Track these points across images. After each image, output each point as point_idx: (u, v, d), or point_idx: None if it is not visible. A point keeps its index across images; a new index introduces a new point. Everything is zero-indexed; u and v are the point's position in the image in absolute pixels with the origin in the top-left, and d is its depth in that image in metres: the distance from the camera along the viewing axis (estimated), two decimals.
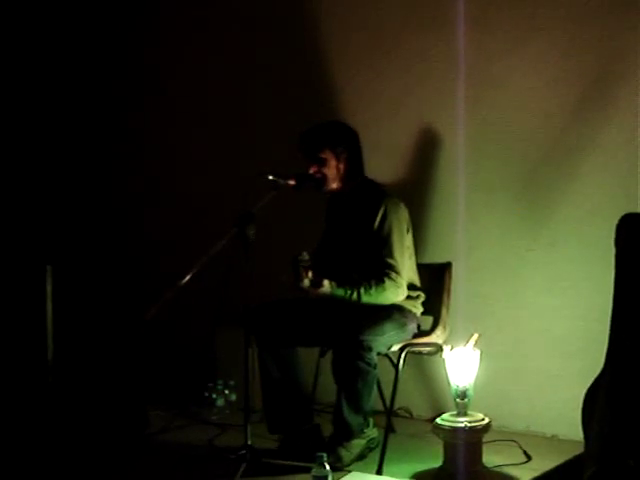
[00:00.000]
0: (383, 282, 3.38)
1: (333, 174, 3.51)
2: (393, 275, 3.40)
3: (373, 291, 3.37)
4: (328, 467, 2.86)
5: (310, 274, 3.24)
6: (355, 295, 3.34)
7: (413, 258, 3.59)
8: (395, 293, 3.42)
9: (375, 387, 3.41)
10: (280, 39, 4.44)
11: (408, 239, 3.54)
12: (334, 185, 3.53)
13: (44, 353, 3.91)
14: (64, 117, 5.10)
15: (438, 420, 3.29)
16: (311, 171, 3.49)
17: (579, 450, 2.77)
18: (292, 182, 3.40)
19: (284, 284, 3.28)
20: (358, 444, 3.38)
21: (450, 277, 3.69)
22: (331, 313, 3.39)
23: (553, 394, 3.68)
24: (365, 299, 3.35)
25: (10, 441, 3.59)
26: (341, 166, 3.52)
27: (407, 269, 3.49)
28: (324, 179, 3.50)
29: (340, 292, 3.34)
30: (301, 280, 3.23)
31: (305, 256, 3.23)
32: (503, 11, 3.80)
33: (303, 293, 3.30)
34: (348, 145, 3.54)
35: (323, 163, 3.49)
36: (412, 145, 4.07)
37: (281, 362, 3.51)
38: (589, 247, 3.57)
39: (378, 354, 3.33)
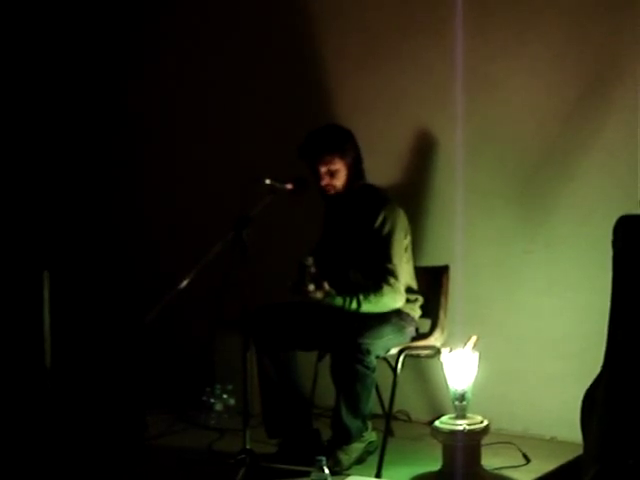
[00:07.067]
0: (381, 288, 3.38)
1: (342, 182, 3.51)
2: (391, 280, 3.39)
3: (372, 297, 3.36)
4: (327, 471, 2.85)
5: (312, 273, 3.26)
6: (355, 303, 3.33)
7: (411, 262, 3.59)
8: (393, 299, 3.41)
9: (374, 390, 3.41)
10: (277, 42, 4.44)
11: (406, 244, 3.54)
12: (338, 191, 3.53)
13: (42, 359, 3.91)
14: (61, 121, 5.09)
15: (437, 423, 3.29)
16: (323, 183, 3.48)
17: (578, 452, 2.77)
18: (290, 186, 3.39)
19: (290, 289, 3.30)
20: (357, 448, 3.38)
21: (448, 280, 3.68)
22: (330, 317, 3.39)
23: (552, 396, 3.68)
24: (365, 306, 3.35)
25: (9, 446, 3.59)
26: (348, 172, 3.51)
27: (405, 273, 3.49)
28: (332, 188, 3.50)
29: (339, 301, 3.34)
30: (306, 285, 3.26)
31: (310, 261, 3.26)
32: (499, 13, 3.80)
33: (306, 297, 3.31)
34: (354, 151, 3.53)
35: (335, 175, 3.49)
36: (408, 148, 4.07)
37: (280, 366, 3.51)
38: (587, 248, 3.57)
39: (377, 357, 3.32)
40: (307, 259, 3.28)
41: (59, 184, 5.06)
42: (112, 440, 3.70)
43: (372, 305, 3.37)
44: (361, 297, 3.35)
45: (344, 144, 3.50)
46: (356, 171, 3.54)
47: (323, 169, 3.47)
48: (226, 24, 4.61)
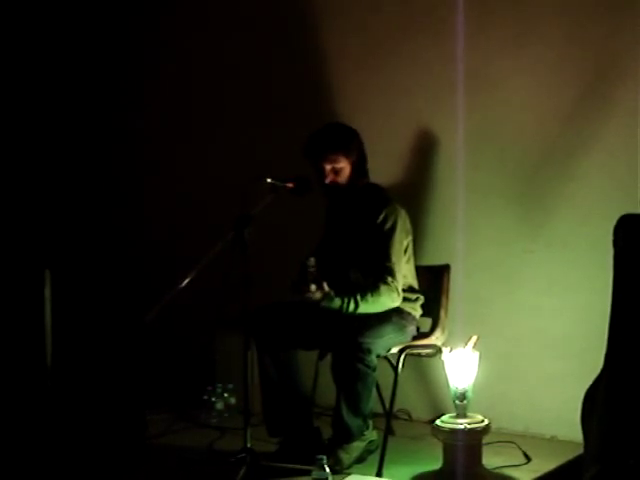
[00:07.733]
0: (378, 288, 3.38)
1: (346, 180, 3.51)
2: (389, 279, 3.40)
3: (369, 297, 3.36)
4: (328, 470, 2.86)
5: (313, 273, 3.27)
6: (352, 304, 3.34)
7: (412, 262, 3.59)
8: (391, 298, 3.41)
9: (374, 389, 3.41)
10: (278, 41, 4.44)
11: (406, 243, 3.54)
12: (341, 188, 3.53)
13: (43, 357, 3.91)
14: (62, 120, 5.09)
15: (437, 422, 3.29)
16: (327, 181, 3.48)
17: (579, 451, 2.78)
18: (290, 185, 3.39)
19: (290, 289, 3.30)
20: (357, 447, 3.38)
21: (448, 279, 3.69)
22: (331, 316, 3.39)
23: (552, 395, 3.68)
24: (362, 306, 3.35)
25: (9, 445, 3.58)
26: (352, 170, 3.51)
27: (404, 273, 3.49)
28: (336, 187, 3.50)
29: (337, 303, 3.33)
30: (307, 285, 3.26)
31: (312, 262, 3.28)
32: (499, 13, 3.81)
33: (305, 298, 3.31)
34: (358, 149, 3.53)
35: (339, 173, 3.49)
36: (409, 148, 4.07)
37: (280, 365, 3.51)
38: (587, 248, 3.58)
39: (377, 356, 3.33)
40: (309, 260, 3.29)
41: (60, 183, 5.07)
42: (112, 440, 3.70)
43: (370, 304, 3.36)
44: (358, 297, 3.35)
45: (349, 143, 3.51)
46: (360, 170, 3.54)
47: (328, 167, 3.48)
48: (226, 24, 4.62)
